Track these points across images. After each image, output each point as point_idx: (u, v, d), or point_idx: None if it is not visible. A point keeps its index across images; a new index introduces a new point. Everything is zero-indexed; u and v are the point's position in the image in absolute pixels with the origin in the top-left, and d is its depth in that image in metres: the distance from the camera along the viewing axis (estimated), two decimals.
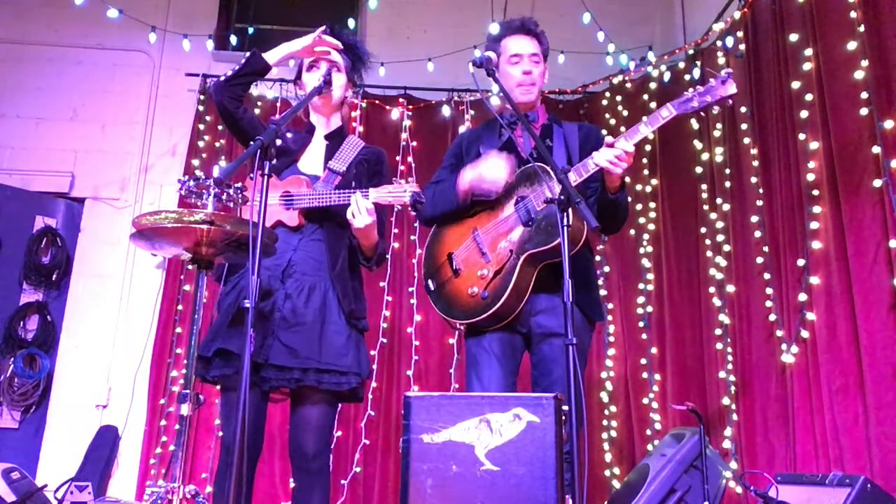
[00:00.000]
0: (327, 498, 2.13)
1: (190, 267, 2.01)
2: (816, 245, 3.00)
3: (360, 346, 2.19)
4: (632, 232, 4.23)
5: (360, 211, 2.07)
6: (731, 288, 3.60)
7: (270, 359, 2.04)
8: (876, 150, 2.73)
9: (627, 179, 2.27)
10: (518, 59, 2.36)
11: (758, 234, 3.43)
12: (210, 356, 2.06)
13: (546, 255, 2.13)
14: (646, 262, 4.17)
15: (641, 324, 4.13)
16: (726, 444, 3.44)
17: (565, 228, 1.77)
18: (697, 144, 4.02)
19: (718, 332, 3.67)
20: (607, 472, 3.99)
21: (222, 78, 2.21)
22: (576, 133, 2.39)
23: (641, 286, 4.16)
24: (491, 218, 2.27)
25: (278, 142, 2.26)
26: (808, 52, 3.12)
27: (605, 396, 4.12)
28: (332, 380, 2.07)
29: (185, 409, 1.87)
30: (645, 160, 4.27)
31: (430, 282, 2.37)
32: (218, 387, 2.22)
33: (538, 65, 2.38)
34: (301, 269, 2.15)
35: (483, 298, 2.18)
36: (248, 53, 2.26)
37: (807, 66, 3.13)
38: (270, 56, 2.26)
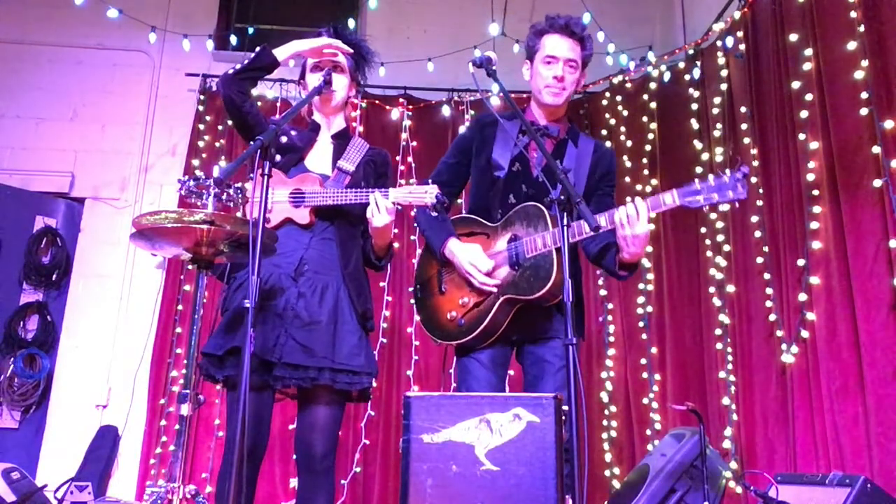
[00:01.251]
0: (332, 498, 2.13)
1: (190, 267, 2.01)
2: (816, 245, 3.00)
3: (369, 346, 2.20)
4: None
5: (380, 210, 2.07)
6: (731, 288, 3.60)
7: (284, 357, 2.03)
8: (876, 150, 2.74)
9: (636, 270, 2.22)
10: (553, 60, 2.22)
11: (758, 234, 3.43)
12: (222, 354, 2.05)
13: (524, 302, 2.11)
14: (646, 262, 4.17)
15: (641, 324, 4.13)
16: (726, 444, 3.44)
17: (565, 228, 1.77)
18: (697, 144, 4.01)
19: (718, 332, 3.67)
20: (607, 472, 3.99)
21: (230, 71, 2.19)
22: (589, 155, 2.30)
23: (641, 286, 4.16)
24: (485, 248, 2.23)
25: (283, 139, 2.26)
26: (808, 52, 3.12)
27: (605, 396, 4.12)
28: (346, 379, 2.07)
29: (185, 409, 1.87)
30: (645, 160, 4.27)
31: (418, 287, 2.36)
32: (218, 386, 2.22)
33: (574, 71, 2.24)
34: (313, 267, 2.15)
35: (459, 325, 2.18)
36: (257, 48, 2.24)
37: (807, 66, 3.13)
38: (279, 52, 2.25)
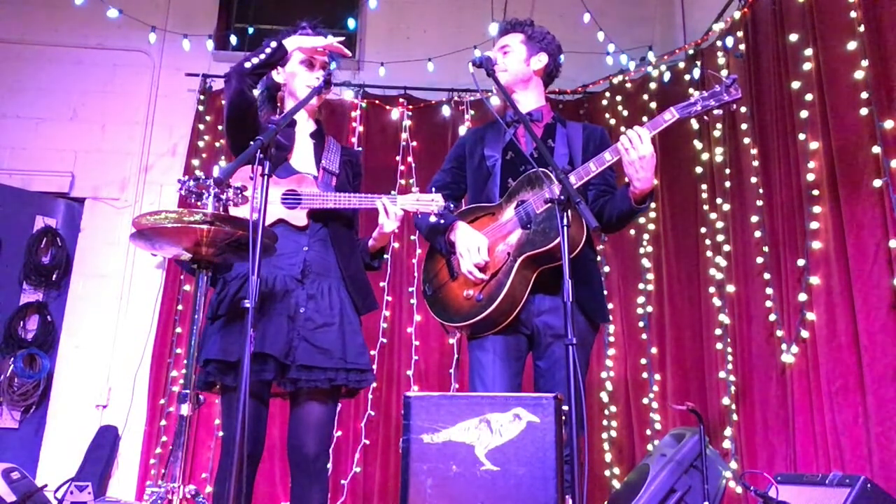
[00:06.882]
0: (326, 498, 2.13)
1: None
2: (816, 245, 3.00)
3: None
4: (632, 232, 4.23)
5: (390, 216, 2.10)
6: (731, 288, 3.60)
7: (298, 360, 2.02)
8: (876, 150, 2.73)
9: (654, 198, 2.25)
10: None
11: (758, 234, 3.43)
12: (235, 361, 2.02)
13: (543, 257, 2.11)
14: (646, 262, 4.17)
15: (641, 324, 4.13)
16: (726, 444, 3.44)
17: (565, 228, 1.77)
18: (697, 144, 4.01)
19: (718, 332, 3.67)
20: (607, 472, 3.99)
21: (247, 65, 2.15)
22: (580, 133, 2.38)
23: (641, 286, 4.16)
24: (491, 222, 2.26)
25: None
26: (808, 52, 3.12)
27: (605, 396, 4.12)
28: (356, 378, 2.09)
29: (185, 410, 1.86)
30: None
31: (427, 286, 2.35)
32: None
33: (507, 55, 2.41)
34: (315, 269, 2.15)
35: (478, 301, 2.16)
36: (273, 44, 2.22)
37: (807, 66, 3.13)
38: (286, 46, 2.27)
